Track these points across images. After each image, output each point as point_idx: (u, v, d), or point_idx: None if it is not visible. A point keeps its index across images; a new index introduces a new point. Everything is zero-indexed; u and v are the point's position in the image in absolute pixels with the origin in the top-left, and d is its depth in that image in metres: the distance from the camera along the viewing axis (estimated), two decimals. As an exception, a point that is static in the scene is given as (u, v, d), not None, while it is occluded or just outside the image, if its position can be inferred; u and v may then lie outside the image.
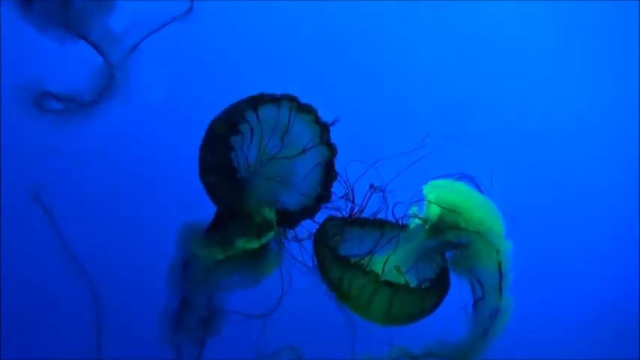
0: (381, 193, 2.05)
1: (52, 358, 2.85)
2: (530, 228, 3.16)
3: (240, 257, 1.98)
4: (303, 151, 2.04)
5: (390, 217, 2.09)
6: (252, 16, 3.11)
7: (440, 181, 2.03)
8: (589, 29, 3.36)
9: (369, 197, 2.05)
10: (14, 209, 2.83)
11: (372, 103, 3.21)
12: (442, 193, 2.01)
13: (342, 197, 2.07)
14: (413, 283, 2.03)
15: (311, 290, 2.01)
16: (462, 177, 2.04)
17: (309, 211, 2.08)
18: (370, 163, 2.04)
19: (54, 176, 2.77)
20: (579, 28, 3.36)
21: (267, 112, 2.01)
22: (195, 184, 2.03)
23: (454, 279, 2.04)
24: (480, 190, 2.03)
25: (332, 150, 2.06)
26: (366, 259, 2.02)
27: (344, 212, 2.08)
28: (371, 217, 2.09)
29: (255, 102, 2.00)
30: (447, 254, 2.05)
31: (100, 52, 2.03)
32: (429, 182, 2.03)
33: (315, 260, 2.02)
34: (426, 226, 2.04)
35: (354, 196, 2.07)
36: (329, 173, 2.06)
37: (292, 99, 2.02)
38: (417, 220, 2.06)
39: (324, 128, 2.04)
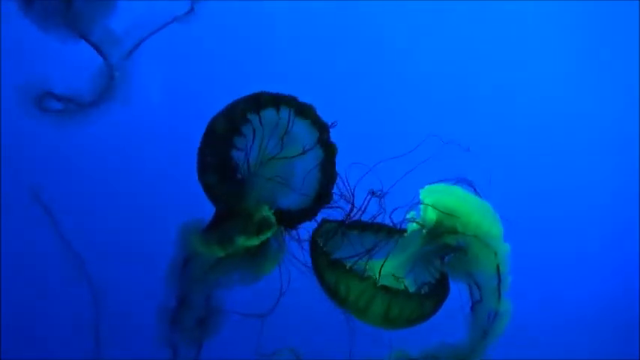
0: (379, 196, 2.05)
1: (52, 358, 2.85)
2: (529, 228, 3.17)
3: (240, 255, 1.98)
4: (303, 152, 2.04)
5: (388, 221, 2.09)
6: (252, 17, 3.11)
7: (436, 186, 2.03)
8: (589, 31, 3.36)
9: (368, 202, 2.05)
10: (14, 209, 2.83)
11: (372, 105, 3.21)
12: (439, 198, 2.01)
13: (340, 199, 2.07)
14: (411, 288, 2.03)
15: (310, 290, 2.01)
16: (460, 181, 2.04)
17: (309, 212, 2.07)
18: (369, 166, 2.04)
19: (54, 176, 2.77)
20: (578, 29, 3.36)
21: (268, 113, 2.01)
22: (195, 184, 2.03)
23: (454, 282, 2.04)
24: (477, 193, 2.03)
25: (332, 150, 2.05)
26: (364, 263, 2.02)
27: (344, 214, 2.08)
28: (369, 221, 2.09)
29: (257, 103, 1.99)
30: (445, 258, 2.05)
31: (100, 52, 2.03)
32: (426, 186, 2.03)
33: (311, 264, 2.02)
34: (424, 231, 2.04)
35: (353, 199, 2.06)
36: (329, 174, 2.05)
37: (292, 99, 2.02)
38: (414, 225, 2.06)
39: (324, 128, 2.03)
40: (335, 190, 2.06)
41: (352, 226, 2.08)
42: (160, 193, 2.94)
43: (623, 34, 3.39)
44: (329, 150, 2.04)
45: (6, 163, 2.81)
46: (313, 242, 2.02)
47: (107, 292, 2.34)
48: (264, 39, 3.14)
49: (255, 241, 1.95)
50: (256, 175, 2.01)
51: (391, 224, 2.08)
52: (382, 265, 2.00)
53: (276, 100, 2.00)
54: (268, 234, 1.97)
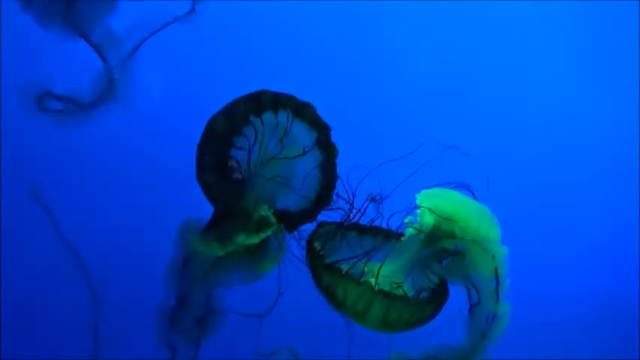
0: (378, 201, 2.04)
1: (52, 358, 2.85)
2: (529, 229, 3.17)
3: (240, 254, 1.98)
4: (304, 152, 2.03)
5: (385, 225, 2.09)
6: (253, 17, 3.11)
7: (433, 190, 2.03)
8: (588, 33, 3.36)
9: (367, 206, 2.05)
10: (14, 209, 2.82)
11: (371, 108, 3.21)
12: (436, 202, 2.01)
13: (339, 201, 2.06)
14: (410, 292, 2.03)
15: (309, 290, 2.00)
16: (458, 185, 2.04)
17: (309, 214, 2.07)
18: (367, 168, 2.03)
19: (54, 176, 2.77)
20: (578, 33, 3.36)
21: (269, 114, 2.00)
22: (195, 184, 2.03)
23: (452, 285, 2.04)
24: (475, 197, 2.03)
25: (333, 151, 2.04)
26: (361, 266, 2.02)
27: (342, 216, 2.08)
28: (366, 224, 2.09)
29: (258, 103, 1.98)
30: (443, 262, 2.05)
31: (100, 53, 2.03)
32: (422, 191, 2.03)
33: (308, 267, 2.02)
34: (422, 235, 2.04)
35: (352, 201, 2.06)
36: (330, 175, 2.04)
37: (292, 98, 2.00)
38: (412, 229, 2.05)
39: (324, 128, 2.02)
40: (335, 192, 2.06)
41: (350, 228, 2.08)
42: (160, 193, 2.93)
43: (623, 35, 3.39)
44: (330, 151, 2.04)
45: (6, 163, 2.80)
46: (309, 246, 2.02)
47: (107, 292, 2.34)
48: (264, 40, 3.14)
49: (254, 239, 1.95)
50: (256, 174, 2.00)
51: (389, 228, 2.08)
52: (379, 269, 2.00)
53: (277, 100, 1.99)
54: (268, 232, 1.96)
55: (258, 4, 3.09)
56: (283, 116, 2.00)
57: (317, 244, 2.01)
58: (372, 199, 2.05)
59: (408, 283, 2.06)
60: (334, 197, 2.06)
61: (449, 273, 2.04)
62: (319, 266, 1.97)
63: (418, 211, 2.03)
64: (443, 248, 2.03)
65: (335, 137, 2.03)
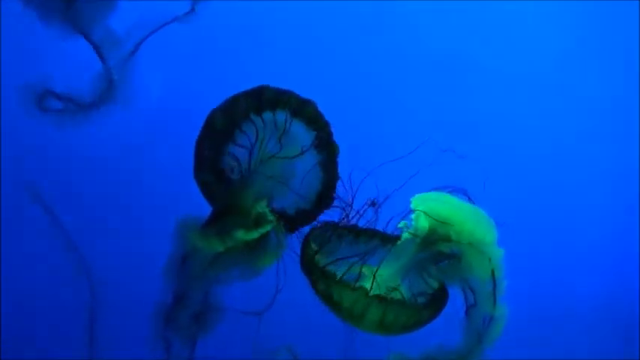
0: (372, 201, 2.04)
1: (52, 358, 2.85)
2: (529, 229, 3.17)
3: (239, 250, 1.97)
4: (304, 151, 2.01)
5: (382, 228, 2.08)
6: (253, 18, 3.11)
7: (428, 194, 2.03)
8: (588, 35, 3.36)
9: (365, 209, 2.05)
10: (14, 209, 2.83)
11: (367, 111, 3.21)
12: (431, 206, 2.00)
13: (338, 203, 2.05)
14: (407, 295, 2.02)
15: (307, 287, 2.00)
16: (455, 189, 2.03)
17: (310, 215, 2.06)
18: (365, 171, 2.03)
19: (54, 176, 2.77)
20: (576, 34, 3.36)
21: (270, 112, 1.98)
22: (194, 184, 2.03)
23: (449, 287, 2.04)
24: (471, 200, 2.03)
25: (333, 149, 2.02)
26: (357, 269, 2.01)
27: (338, 218, 2.07)
28: (363, 227, 2.08)
29: (258, 99, 1.95)
30: (440, 265, 2.05)
31: (99, 53, 2.03)
32: (417, 195, 2.03)
33: (304, 272, 2.01)
34: (418, 239, 2.04)
35: (351, 203, 2.05)
36: (331, 175, 2.02)
37: (294, 95, 1.98)
38: (408, 233, 2.05)
39: (325, 126, 2.00)
40: (335, 193, 2.05)
41: (346, 230, 2.07)
42: (160, 192, 2.93)
43: (623, 36, 3.39)
44: (330, 149, 2.02)
45: (6, 162, 2.80)
46: (304, 252, 2.01)
47: (107, 292, 2.34)
48: (264, 41, 3.13)
49: (253, 235, 1.94)
50: (255, 172, 1.99)
51: (385, 231, 2.08)
52: (375, 273, 2.00)
53: (278, 96, 1.96)
54: (267, 228, 1.95)
55: (258, 4, 3.09)
56: (284, 112, 1.98)
57: (312, 247, 2.00)
58: (372, 204, 2.04)
59: (404, 287, 2.06)
60: (335, 198, 2.05)
61: (445, 276, 2.03)
62: (314, 272, 1.96)
63: (413, 215, 2.03)
64: (439, 251, 2.03)
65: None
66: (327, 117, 2.02)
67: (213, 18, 2.17)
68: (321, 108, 2.01)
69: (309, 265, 1.98)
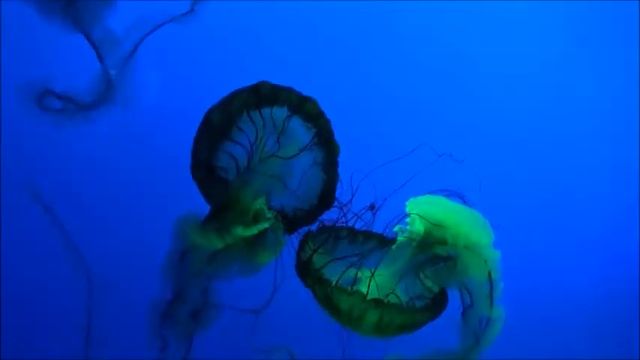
0: (372, 205, 2.03)
1: (52, 358, 2.85)
2: (529, 230, 3.17)
3: (238, 246, 1.97)
4: (304, 149, 2.00)
5: (378, 232, 2.09)
6: (252, 18, 3.11)
7: (422, 197, 2.03)
8: (587, 37, 3.36)
9: (363, 213, 2.05)
10: (14, 209, 2.83)
11: (365, 113, 3.21)
12: (427, 209, 2.01)
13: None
14: (404, 298, 2.03)
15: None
16: (451, 193, 2.03)
17: (309, 215, 2.05)
18: (363, 173, 2.02)
19: (54, 176, 2.77)
20: (574, 36, 3.36)
21: (268, 108, 1.96)
22: (193, 184, 2.03)
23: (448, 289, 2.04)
24: (467, 204, 2.03)
25: (334, 148, 2.00)
26: (353, 272, 2.01)
27: (336, 220, 2.06)
28: (359, 229, 2.08)
29: (257, 94, 1.93)
30: (437, 267, 2.05)
31: (98, 53, 2.03)
32: (411, 199, 2.02)
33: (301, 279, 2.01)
34: (414, 242, 2.04)
35: (349, 205, 2.04)
36: (331, 174, 2.01)
37: (293, 91, 1.96)
38: (404, 236, 2.05)
39: (326, 124, 1.98)
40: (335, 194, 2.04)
41: (343, 232, 2.07)
42: (160, 192, 2.94)
43: (623, 36, 3.39)
44: (331, 148, 2.00)
45: (6, 162, 2.81)
46: (299, 258, 2.01)
47: (108, 292, 2.34)
48: (263, 42, 3.14)
49: (252, 231, 1.93)
50: (254, 169, 1.98)
51: (383, 234, 2.08)
52: (372, 276, 2.00)
53: (277, 93, 1.94)
54: (265, 224, 1.95)
55: (257, 4, 3.09)
56: (283, 109, 1.96)
57: (308, 251, 2.00)
58: (372, 208, 2.03)
59: (401, 290, 2.06)
60: (335, 199, 2.04)
61: (442, 278, 2.04)
62: (309, 278, 1.96)
63: (408, 219, 2.03)
64: (435, 254, 2.03)
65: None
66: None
67: (213, 18, 2.16)
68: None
69: (303, 271, 1.98)
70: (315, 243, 2.03)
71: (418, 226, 2.02)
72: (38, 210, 2.28)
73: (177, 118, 2.86)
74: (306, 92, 1.99)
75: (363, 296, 1.89)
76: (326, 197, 2.03)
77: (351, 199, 2.03)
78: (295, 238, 2.06)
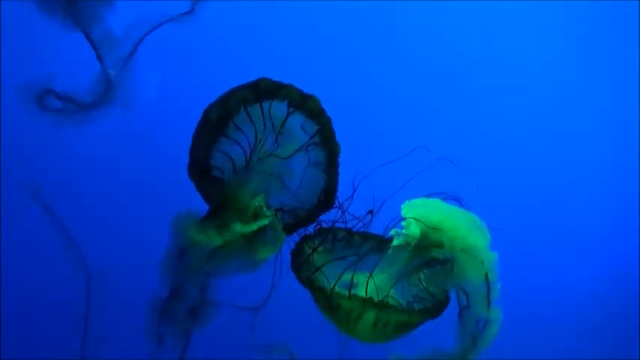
0: (369, 205, 2.03)
1: (51, 357, 2.85)
2: (528, 230, 3.17)
3: (237, 243, 1.96)
4: (303, 148, 1.98)
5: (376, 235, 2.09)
6: (252, 18, 3.11)
7: (417, 201, 2.03)
8: (586, 39, 3.36)
9: (363, 218, 2.04)
10: (14, 209, 2.83)
11: (362, 116, 3.21)
12: (422, 212, 2.00)
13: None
14: (401, 301, 2.03)
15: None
16: (447, 196, 2.03)
17: (309, 215, 2.03)
18: (355, 175, 2.02)
19: (54, 175, 2.78)
20: (573, 40, 3.36)
21: (268, 104, 1.93)
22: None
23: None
24: (463, 206, 2.03)
25: (335, 147, 1.98)
26: (350, 275, 2.01)
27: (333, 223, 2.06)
28: (356, 231, 2.07)
29: (256, 90, 1.90)
30: (434, 270, 2.05)
31: (97, 54, 2.03)
32: (407, 202, 2.02)
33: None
34: (410, 245, 2.04)
35: (343, 206, 2.04)
36: (331, 175, 1.99)
37: (293, 88, 1.94)
38: (400, 239, 2.05)
39: (327, 122, 1.96)
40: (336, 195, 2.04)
41: (341, 233, 2.07)
42: (160, 192, 2.94)
43: (623, 36, 3.39)
44: (332, 147, 1.98)
45: (6, 162, 2.81)
46: (295, 265, 2.01)
47: (108, 292, 2.34)
48: (263, 42, 3.14)
49: (251, 227, 1.92)
50: (254, 167, 1.97)
51: (378, 235, 2.08)
52: (369, 279, 2.00)
53: (276, 89, 1.91)
54: (264, 221, 1.94)
55: (257, 4, 3.09)
56: (283, 105, 1.93)
57: (305, 251, 2.00)
58: (370, 213, 2.03)
59: (398, 293, 2.06)
60: (335, 200, 2.03)
61: (439, 281, 2.04)
62: (307, 281, 1.97)
63: (404, 222, 2.03)
64: (432, 257, 2.03)
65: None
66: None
67: (212, 18, 2.16)
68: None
69: (301, 271, 1.98)
70: (312, 244, 2.03)
71: (414, 230, 2.02)
72: (38, 210, 2.28)
73: (176, 117, 2.86)
74: (306, 89, 1.99)
75: (362, 297, 1.89)
76: (326, 198, 2.01)
77: (347, 199, 2.03)
78: (294, 238, 2.06)
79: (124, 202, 2.97)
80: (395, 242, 2.05)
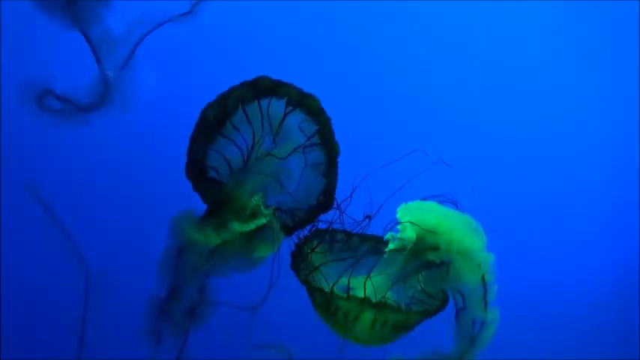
0: (366, 208, 2.03)
1: (52, 357, 2.86)
2: (528, 230, 3.17)
3: (235, 242, 1.96)
4: (303, 148, 1.98)
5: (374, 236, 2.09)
6: (252, 19, 3.12)
7: (413, 204, 2.03)
8: (586, 40, 3.36)
9: (361, 222, 2.04)
10: (14, 209, 2.84)
11: (360, 118, 3.21)
12: (417, 216, 2.00)
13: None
14: (398, 302, 2.03)
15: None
16: (443, 199, 2.03)
17: (307, 216, 2.04)
18: (354, 176, 2.02)
19: (54, 175, 2.78)
20: (571, 42, 3.36)
21: (266, 102, 1.92)
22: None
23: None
24: (460, 209, 2.03)
25: (334, 147, 1.98)
26: (348, 277, 2.01)
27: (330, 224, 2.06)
28: (354, 233, 2.07)
29: (255, 88, 1.89)
30: (431, 272, 2.05)
31: (96, 54, 2.03)
32: (402, 205, 2.02)
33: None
34: (405, 249, 2.04)
35: (345, 208, 2.04)
36: (330, 175, 1.99)
37: (293, 86, 1.93)
38: (396, 243, 2.05)
39: (327, 122, 1.95)
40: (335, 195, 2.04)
41: (339, 235, 2.07)
42: (159, 191, 2.94)
43: (623, 36, 3.39)
44: (331, 147, 1.97)
45: (6, 162, 2.82)
46: (294, 263, 2.01)
47: (108, 292, 2.34)
48: (262, 43, 3.14)
49: (249, 226, 1.92)
50: (251, 168, 1.97)
51: (376, 236, 2.08)
52: (366, 281, 2.01)
53: (276, 86, 1.90)
54: (262, 220, 1.94)
55: (257, 4, 3.10)
56: (282, 104, 1.92)
57: (304, 252, 2.00)
58: (368, 217, 2.03)
59: (395, 295, 2.06)
60: (334, 201, 2.03)
61: (436, 283, 2.04)
62: (306, 282, 1.97)
63: (400, 226, 2.03)
64: (428, 260, 2.03)
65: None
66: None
67: (212, 18, 2.17)
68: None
69: (299, 272, 1.99)
70: (311, 245, 2.03)
71: (410, 233, 2.02)
72: (38, 210, 2.28)
73: (175, 118, 2.86)
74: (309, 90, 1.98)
75: (360, 298, 1.90)
76: (325, 198, 2.01)
77: (346, 200, 2.03)
78: (293, 238, 2.06)
79: (123, 202, 2.97)
80: (391, 246, 2.05)
